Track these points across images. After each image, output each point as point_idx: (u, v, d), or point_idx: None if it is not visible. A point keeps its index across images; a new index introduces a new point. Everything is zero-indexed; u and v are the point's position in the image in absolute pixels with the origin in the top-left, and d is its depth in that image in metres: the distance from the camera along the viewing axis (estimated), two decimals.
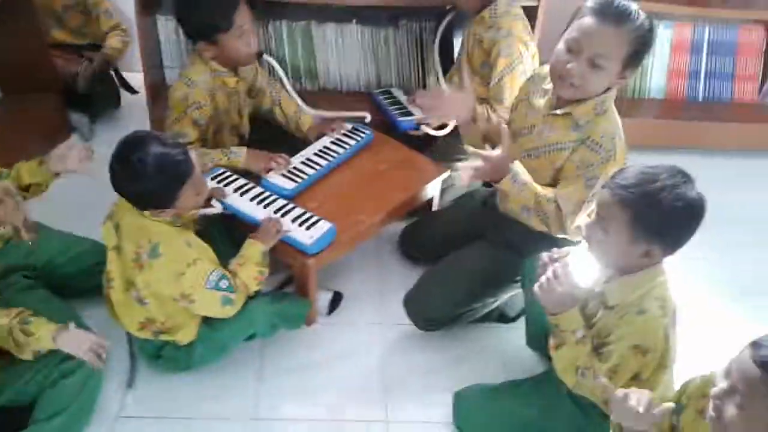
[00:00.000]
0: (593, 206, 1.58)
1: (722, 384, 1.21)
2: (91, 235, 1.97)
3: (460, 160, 2.36)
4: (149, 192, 1.64)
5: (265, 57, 2.24)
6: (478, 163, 1.80)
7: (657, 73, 2.87)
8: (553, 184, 1.82)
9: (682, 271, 1.71)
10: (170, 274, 1.66)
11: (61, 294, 1.90)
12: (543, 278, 1.52)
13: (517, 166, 1.82)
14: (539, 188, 1.81)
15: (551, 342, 1.58)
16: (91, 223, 1.83)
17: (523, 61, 2.23)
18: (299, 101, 2.35)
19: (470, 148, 1.85)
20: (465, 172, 1.82)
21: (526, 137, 1.88)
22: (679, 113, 2.86)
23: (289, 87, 2.33)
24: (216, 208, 1.91)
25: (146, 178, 1.60)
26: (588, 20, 1.67)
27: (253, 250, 1.81)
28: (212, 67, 2.09)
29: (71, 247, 1.95)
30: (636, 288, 1.51)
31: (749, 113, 2.87)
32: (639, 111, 2.83)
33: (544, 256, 1.58)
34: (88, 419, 1.73)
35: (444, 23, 2.54)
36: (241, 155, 2.12)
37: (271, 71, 2.49)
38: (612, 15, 1.65)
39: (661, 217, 1.43)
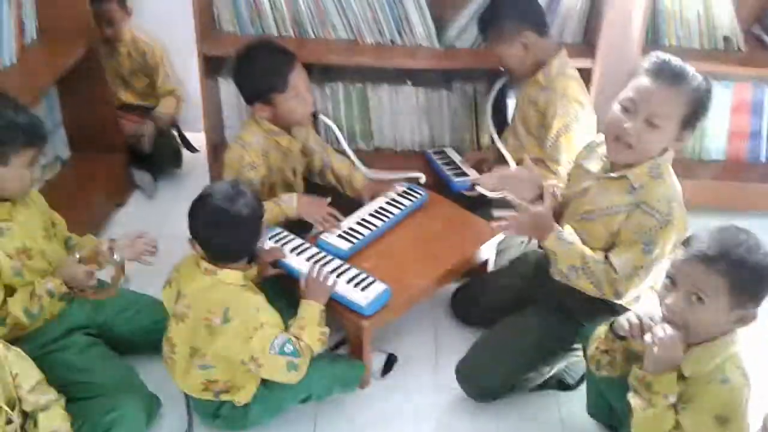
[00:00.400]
0: (664, 279, 1.52)
1: None
2: (150, 291, 2.01)
3: None
4: (243, 238, 1.73)
5: (321, 117, 2.29)
6: (518, 214, 1.80)
7: (717, 134, 2.80)
8: (607, 249, 1.78)
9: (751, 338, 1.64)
10: (240, 338, 1.67)
11: (121, 351, 1.94)
12: (660, 331, 1.45)
13: (565, 228, 1.80)
14: (587, 250, 1.77)
15: (634, 401, 1.50)
16: (149, 279, 1.87)
17: (579, 121, 2.23)
18: (354, 158, 2.37)
19: (514, 199, 1.85)
20: (501, 224, 1.83)
21: (580, 201, 1.86)
22: (740, 175, 2.78)
23: (345, 145, 2.35)
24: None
25: (244, 226, 1.70)
26: (644, 80, 1.67)
27: (311, 310, 1.82)
28: (265, 128, 2.15)
29: (132, 304, 1.99)
30: (713, 357, 1.46)
31: None
32: (699, 173, 2.76)
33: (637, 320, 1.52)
34: None
35: (498, 85, 2.56)
36: (293, 203, 2.14)
37: (327, 132, 2.53)
38: (668, 75, 1.65)
39: (759, 279, 1.41)
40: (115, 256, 1.83)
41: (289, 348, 1.71)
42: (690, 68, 1.67)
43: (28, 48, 2.39)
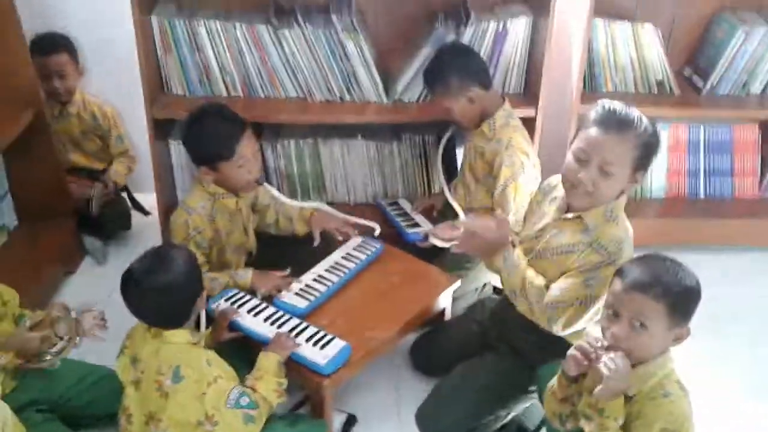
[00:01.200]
0: (605, 310, 1.58)
1: None
2: (103, 362, 1.96)
3: (469, 269, 2.39)
4: (178, 303, 1.70)
5: (265, 186, 2.27)
6: (458, 231, 1.86)
7: (657, 173, 2.92)
8: None
9: (695, 366, 1.73)
10: (193, 396, 1.65)
11: (76, 425, 1.88)
12: (611, 362, 1.49)
13: (515, 251, 1.86)
14: (530, 273, 1.83)
15: (588, 428, 1.54)
16: (102, 349, 1.84)
17: (525, 169, 2.30)
18: (303, 203, 2.38)
19: (463, 220, 1.89)
20: (442, 232, 1.87)
21: (535, 240, 1.91)
22: (681, 211, 2.89)
23: (296, 203, 2.36)
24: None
25: (176, 293, 1.67)
26: (593, 130, 1.73)
27: (269, 361, 1.81)
28: (211, 191, 2.15)
29: (86, 376, 1.94)
30: (652, 375, 1.54)
31: (751, 209, 2.90)
32: (642, 211, 2.86)
33: (585, 345, 1.56)
34: None
35: (446, 136, 2.63)
36: (247, 277, 2.14)
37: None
38: (614, 123, 1.71)
39: (690, 297, 1.52)
40: (71, 313, 1.80)
41: (245, 400, 1.69)
42: (635, 112, 1.74)
43: None
